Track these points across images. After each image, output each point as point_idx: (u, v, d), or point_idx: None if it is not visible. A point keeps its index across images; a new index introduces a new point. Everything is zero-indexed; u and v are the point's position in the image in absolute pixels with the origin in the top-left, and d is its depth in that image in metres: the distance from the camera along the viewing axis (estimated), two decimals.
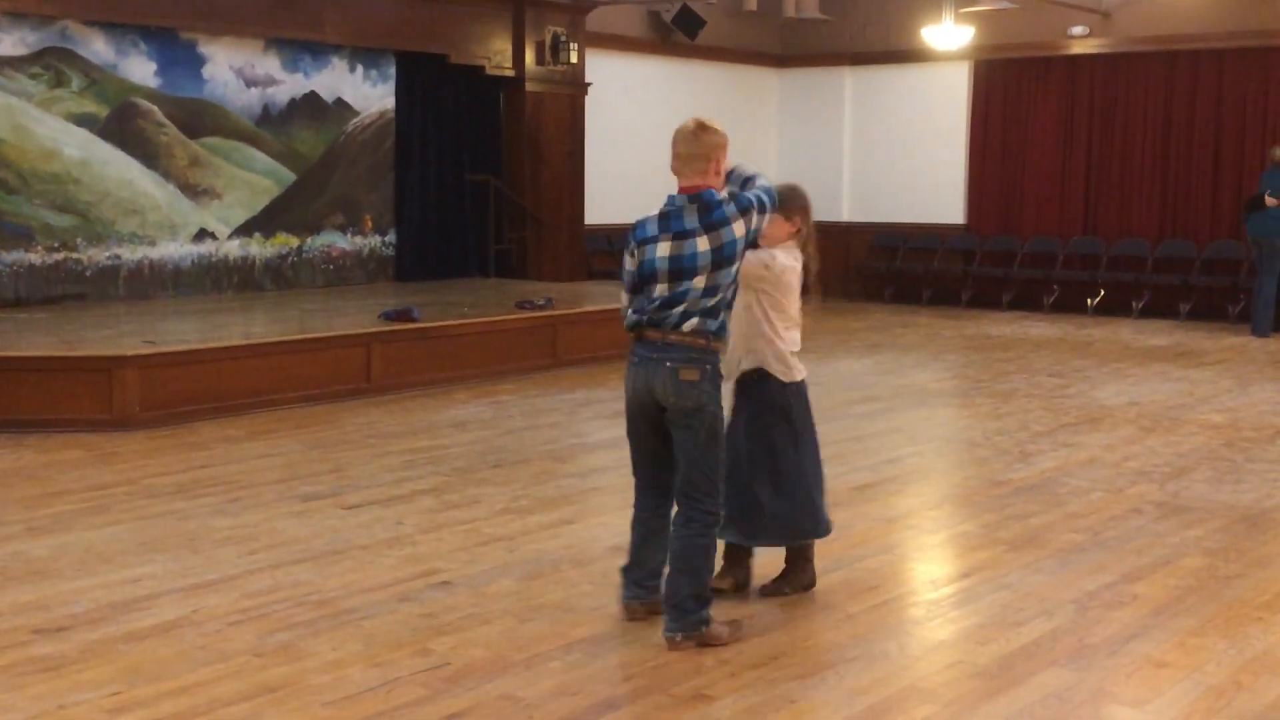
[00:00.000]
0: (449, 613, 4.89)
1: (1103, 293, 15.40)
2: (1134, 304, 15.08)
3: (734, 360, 4.96)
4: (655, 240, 4.56)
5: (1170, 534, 6.04)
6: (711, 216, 4.50)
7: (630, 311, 4.68)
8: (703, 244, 4.48)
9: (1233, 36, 14.63)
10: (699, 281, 4.49)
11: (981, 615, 4.94)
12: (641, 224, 4.66)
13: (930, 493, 7.15)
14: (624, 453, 7.85)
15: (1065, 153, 15.86)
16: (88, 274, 11.26)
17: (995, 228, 16.35)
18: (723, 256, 4.49)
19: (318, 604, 4.98)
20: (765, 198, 4.62)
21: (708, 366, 4.56)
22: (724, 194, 4.59)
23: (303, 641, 4.57)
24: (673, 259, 4.51)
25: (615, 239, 15.48)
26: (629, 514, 6.34)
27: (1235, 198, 14.83)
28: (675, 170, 4.64)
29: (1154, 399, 9.66)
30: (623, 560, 4.91)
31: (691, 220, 4.52)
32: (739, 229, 4.51)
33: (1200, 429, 8.53)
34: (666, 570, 4.66)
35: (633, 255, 4.66)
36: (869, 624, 4.84)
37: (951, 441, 8.43)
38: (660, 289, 4.55)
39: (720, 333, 4.59)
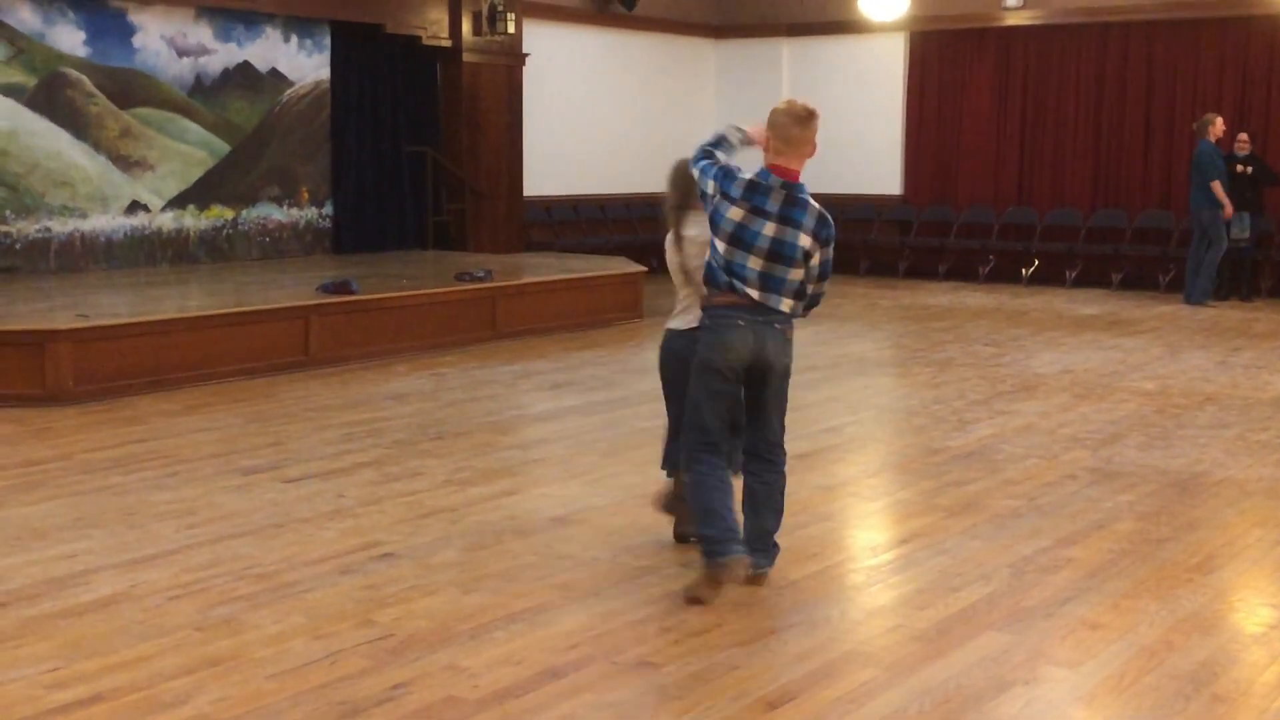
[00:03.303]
0: (392, 584, 4.88)
1: (1037, 262, 15.58)
2: (1067, 273, 15.27)
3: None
4: (734, 202, 4.71)
5: (1103, 499, 6.15)
6: (787, 210, 4.71)
7: (720, 271, 4.77)
8: (770, 229, 4.69)
9: (1163, 8, 14.81)
10: (758, 263, 4.69)
11: (920, 580, 5.02)
12: (726, 175, 4.79)
13: (869, 461, 7.22)
14: (565, 424, 7.89)
15: (1000, 124, 16.00)
16: (17, 247, 11.06)
17: (931, 198, 16.47)
18: (783, 252, 4.70)
19: (259, 577, 4.95)
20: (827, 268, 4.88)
21: (789, 329, 4.88)
22: (817, 206, 4.78)
23: (244, 615, 4.55)
24: (740, 226, 4.69)
25: (554, 210, 15.45)
26: (571, 485, 6.39)
27: (1165, 168, 15.05)
28: (771, 148, 4.79)
29: (1087, 367, 9.81)
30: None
31: (773, 204, 4.71)
32: (805, 242, 4.71)
33: (1132, 396, 8.68)
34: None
35: (711, 196, 4.78)
36: (810, 590, 4.89)
37: (889, 410, 8.52)
38: (724, 251, 4.73)
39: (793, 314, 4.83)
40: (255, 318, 9.32)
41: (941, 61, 16.28)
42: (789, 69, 17.28)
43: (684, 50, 17.13)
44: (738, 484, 4.95)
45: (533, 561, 5.18)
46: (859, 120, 16.64)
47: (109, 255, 11.65)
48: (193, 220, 12.27)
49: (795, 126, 4.76)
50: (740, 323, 4.73)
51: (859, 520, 6.06)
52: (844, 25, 16.52)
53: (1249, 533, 5.68)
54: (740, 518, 4.87)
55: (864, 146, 16.51)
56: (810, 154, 4.84)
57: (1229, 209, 13.20)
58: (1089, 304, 13.73)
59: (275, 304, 9.64)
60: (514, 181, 14.57)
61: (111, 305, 9.44)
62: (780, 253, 4.70)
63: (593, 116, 15.69)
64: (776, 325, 4.77)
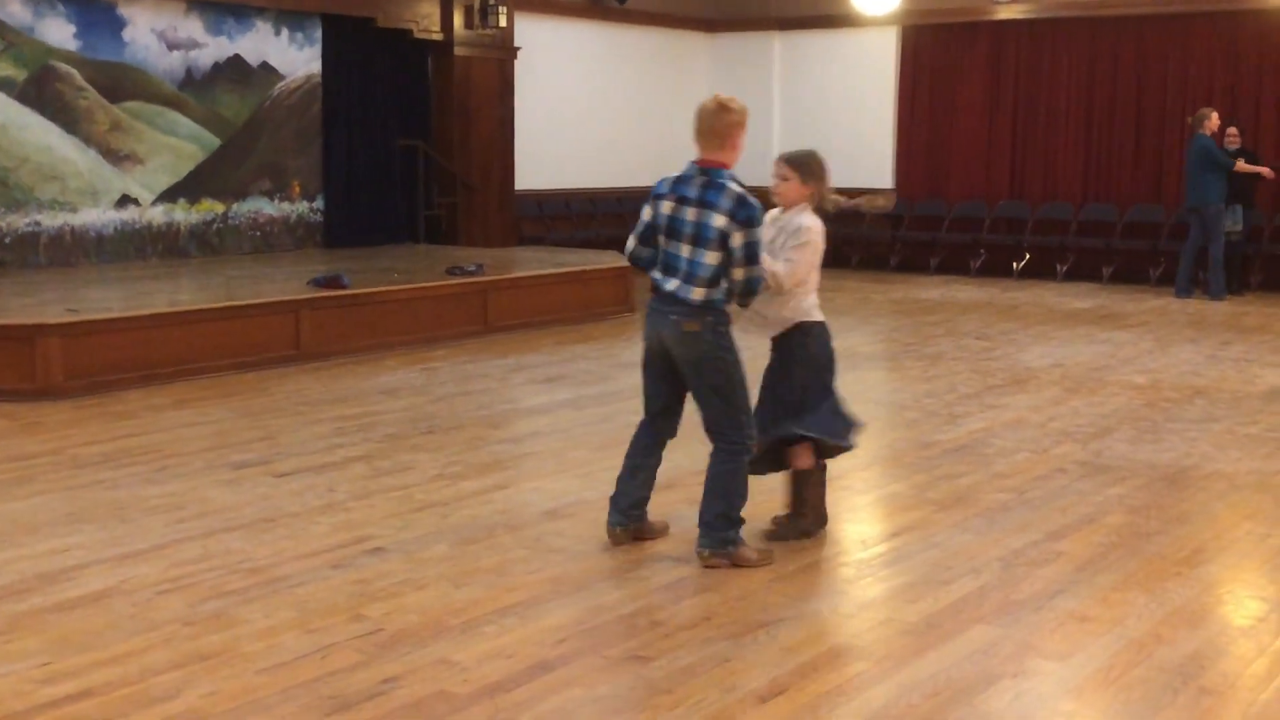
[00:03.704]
0: (382, 579, 4.88)
1: (1028, 256, 15.60)
2: (1058, 267, 15.30)
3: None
4: (663, 198, 5.03)
5: (1093, 493, 6.17)
6: (705, 194, 4.92)
7: (639, 259, 5.17)
8: (691, 214, 4.94)
9: (1154, 3, 14.84)
10: (685, 249, 4.94)
11: (911, 574, 5.03)
12: (661, 181, 5.12)
13: (860, 454, 7.18)
14: (556, 418, 7.91)
15: (991, 118, 16.01)
16: (7, 241, 11.04)
17: (923, 192, 16.48)
18: (700, 235, 4.90)
19: (249, 572, 4.95)
20: (756, 250, 4.95)
21: (708, 319, 4.95)
22: (737, 189, 4.92)
23: (235, 609, 4.55)
24: (670, 218, 4.98)
25: (546, 204, 15.44)
26: (562, 479, 6.41)
27: (1156, 162, 15.08)
28: (696, 142, 5.06)
29: (1078, 361, 9.83)
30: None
31: (692, 190, 4.96)
32: (719, 222, 4.87)
33: (1122, 390, 8.70)
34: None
35: (649, 207, 5.09)
36: (801, 583, 4.90)
37: (881, 404, 8.53)
38: (664, 243, 5.02)
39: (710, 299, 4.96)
40: (246, 312, 9.31)
41: (933, 55, 16.29)
42: (781, 63, 17.28)
43: (676, 44, 17.12)
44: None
45: (523, 555, 5.19)
46: (851, 114, 16.65)
47: (99, 249, 11.63)
48: (183, 214, 12.25)
49: (708, 118, 4.99)
50: (651, 311, 5.07)
51: (850, 514, 6.06)
52: (836, 19, 16.53)
53: (1237, 526, 5.70)
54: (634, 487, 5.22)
55: (856, 140, 16.51)
56: (732, 144, 5.01)
57: (1269, 171, 13.31)
58: (1080, 298, 13.75)
59: (266, 298, 9.63)
60: (506, 175, 14.56)
61: (102, 299, 9.42)
62: (699, 235, 4.91)
63: (585, 110, 15.68)
64: (672, 317, 4.95)
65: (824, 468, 5.49)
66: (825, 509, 5.52)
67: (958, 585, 4.87)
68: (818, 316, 5.33)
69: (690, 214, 4.92)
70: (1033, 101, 15.74)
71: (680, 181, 5.00)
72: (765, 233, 5.13)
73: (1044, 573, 5.01)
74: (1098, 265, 15.11)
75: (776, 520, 5.46)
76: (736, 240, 4.86)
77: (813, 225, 5.23)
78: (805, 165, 5.25)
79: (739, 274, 4.92)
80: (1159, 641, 4.32)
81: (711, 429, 5.08)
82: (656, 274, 5.04)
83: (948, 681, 4.00)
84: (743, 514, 5.11)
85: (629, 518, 5.25)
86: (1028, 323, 11.89)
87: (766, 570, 5.00)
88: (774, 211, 5.31)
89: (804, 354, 5.30)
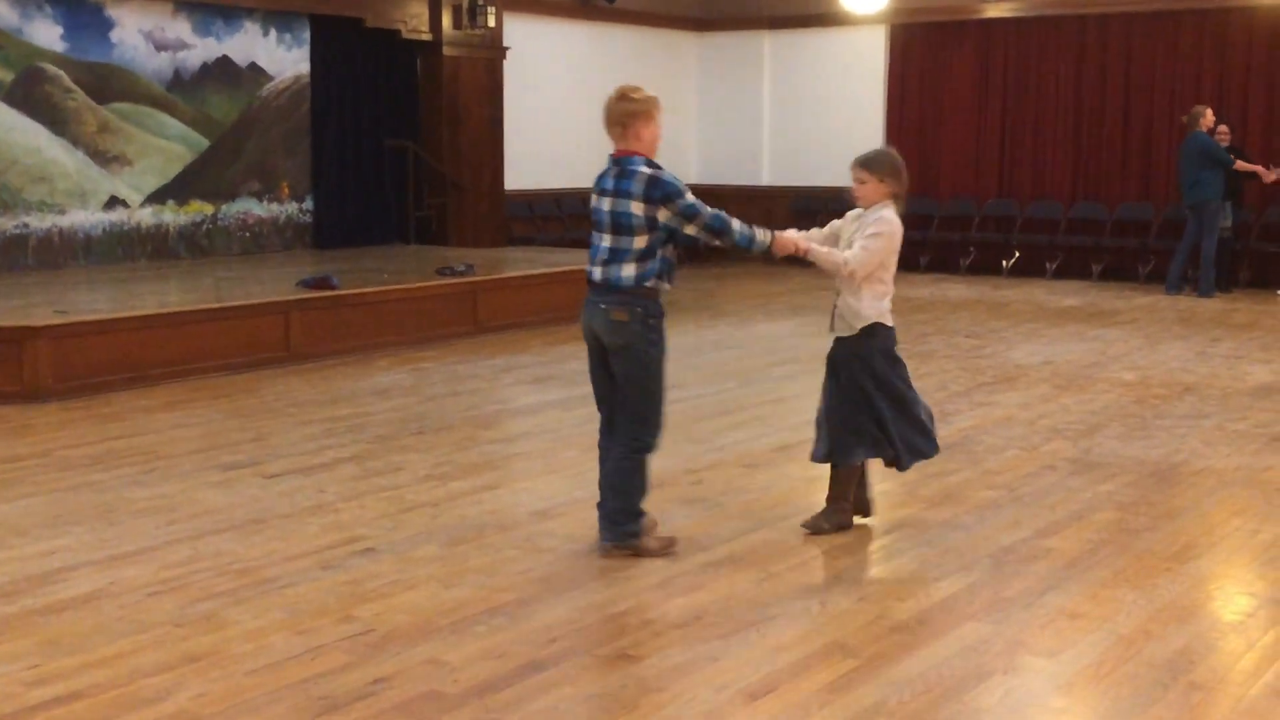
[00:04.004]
0: (372, 579, 4.88)
1: (1018, 254, 15.62)
2: (1048, 265, 15.32)
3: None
4: (594, 193, 5.17)
5: (1083, 489, 6.18)
6: (619, 184, 5.04)
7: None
8: (608, 204, 5.07)
9: (1143, 1, 14.86)
10: (606, 238, 5.07)
11: (902, 571, 5.03)
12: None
13: None
14: (546, 418, 7.90)
15: (980, 116, 16.03)
16: None
17: (912, 190, 16.32)
18: (619, 222, 5.02)
19: (239, 573, 4.94)
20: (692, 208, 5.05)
21: (638, 309, 5.03)
22: (647, 171, 5.00)
23: (224, 611, 4.54)
24: (594, 209, 5.13)
25: (536, 205, 15.43)
26: (552, 479, 6.40)
27: (1144, 160, 15.10)
28: (609, 135, 5.18)
29: (1067, 358, 9.84)
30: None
31: (609, 181, 5.10)
32: (637, 208, 4.98)
33: (1112, 387, 8.72)
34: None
35: (596, 195, 5.20)
36: (791, 582, 4.90)
37: None
38: (593, 236, 5.15)
39: (641, 279, 5.03)
40: (236, 313, 9.29)
41: (922, 54, 16.31)
42: (770, 62, 17.29)
43: (665, 43, 17.12)
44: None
45: (513, 555, 5.18)
46: (841, 113, 16.67)
47: (88, 251, 11.60)
48: (172, 216, 12.22)
49: (610, 109, 5.13)
50: (585, 304, 5.19)
51: None
52: (825, 18, 16.53)
53: (1227, 522, 5.71)
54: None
55: (845, 139, 16.46)
56: (635, 133, 5.09)
57: (1265, 171, 13.39)
58: (1069, 295, 13.77)
59: (256, 299, 9.62)
60: (495, 175, 14.55)
61: (90, 301, 9.40)
62: (620, 224, 5.03)
63: (574, 110, 15.65)
64: (602, 306, 5.06)
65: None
66: (867, 499, 5.58)
67: (948, 582, 4.87)
68: (889, 321, 5.39)
69: (607, 204, 5.05)
70: (1022, 100, 15.76)
71: (601, 176, 5.15)
72: (846, 228, 5.38)
73: (1034, 569, 5.02)
74: (1087, 263, 15.13)
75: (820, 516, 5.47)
76: (665, 215, 5.00)
77: (890, 218, 5.36)
78: (879, 163, 5.43)
79: (692, 229, 5.07)
80: (1148, 637, 4.33)
81: (621, 421, 5.15)
82: (587, 266, 5.17)
83: (938, 679, 4.00)
84: (643, 505, 5.18)
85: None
86: (1017, 320, 11.91)
87: (757, 569, 5.00)
88: (854, 211, 5.50)
89: (869, 356, 5.31)
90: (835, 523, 5.45)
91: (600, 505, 5.22)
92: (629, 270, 5.01)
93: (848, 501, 5.48)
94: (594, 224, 5.14)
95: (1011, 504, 5.94)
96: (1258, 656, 4.20)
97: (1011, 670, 4.08)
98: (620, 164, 5.08)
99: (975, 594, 4.75)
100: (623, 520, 5.13)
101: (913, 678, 4.00)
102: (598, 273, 5.09)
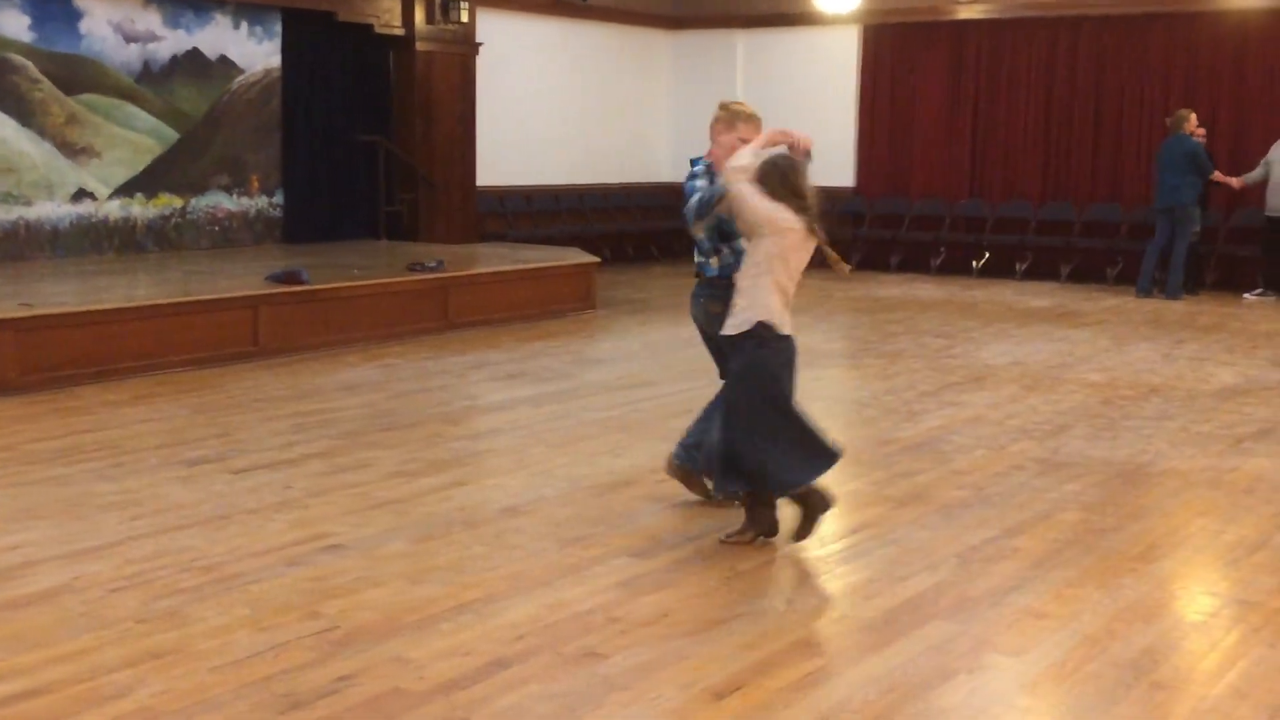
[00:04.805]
0: (339, 576, 4.85)
1: (988, 255, 15.69)
2: (1017, 266, 15.40)
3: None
4: None
5: (1050, 489, 6.21)
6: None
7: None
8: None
9: (1113, 4, 14.95)
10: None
11: (868, 570, 5.04)
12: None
13: None
14: (516, 415, 7.88)
15: (952, 117, 16.10)
16: None
17: (884, 190, 16.54)
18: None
19: (204, 569, 4.91)
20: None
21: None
22: (700, 171, 5.78)
23: (188, 607, 4.51)
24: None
25: (508, 201, 15.40)
26: (521, 476, 6.38)
27: (1114, 161, 15.20)
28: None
29: (1036, 359, 9.89)
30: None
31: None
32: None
33: (1079, 387, 8.76)
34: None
35: None
36: (758, 580, 4.91)
37: (840, 401, 8.55)
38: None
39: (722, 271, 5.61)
40: (204, 307, 9.23)
41: (894, 54, 16.36)
42: (743, 61, 17.30)
43: (639, 41, 17.11)
44: None
45: (481, 552, 5.17)
46: (813, 112, 16.63)
47: (54, 244, 11.50)
48: (140, 209, 12.13)
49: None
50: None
51: None
52: (798, 17, 16.57)
53: (1191, 522, 5.75)
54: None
55: (818, 138, 16.22)
56: (712, 137, 6.05)
57: (1235, 183, 13.63)
58: (1038, 296, 13.84)
59: (224, 293, 9.55)
60: (467, 171, 14.51)
61: (57, 294, 9.32)
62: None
63: (547, 107, 15.65)
64: (701, 299, 5.64)
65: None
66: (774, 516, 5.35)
67: (914, 581, 4.88)
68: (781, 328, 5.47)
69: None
70: (993, 101, 15.83)
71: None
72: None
73: (1000, 569, 5.04)
74: (1056, 264, 15.22)
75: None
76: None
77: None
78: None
79: (697, 228, 5.67)
80: (1113, 637, 4.35)
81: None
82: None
83: (904, 677, 4.01)
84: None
85: (688, 455, 5.70)
86: (987, 321, 11.96)
87: (724, 567, 5.00)
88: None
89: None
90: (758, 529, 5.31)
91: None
92: (715, 262, 5.66)
93: (769, 506, 5.33)
94: None
95: (979, 504, 5.96)
96: (1220, 656, 4.23)
97: (977, 669, 4.10)
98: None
99: (941, 593, 4.77)
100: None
101: (878, 676, 4.01)
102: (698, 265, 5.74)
